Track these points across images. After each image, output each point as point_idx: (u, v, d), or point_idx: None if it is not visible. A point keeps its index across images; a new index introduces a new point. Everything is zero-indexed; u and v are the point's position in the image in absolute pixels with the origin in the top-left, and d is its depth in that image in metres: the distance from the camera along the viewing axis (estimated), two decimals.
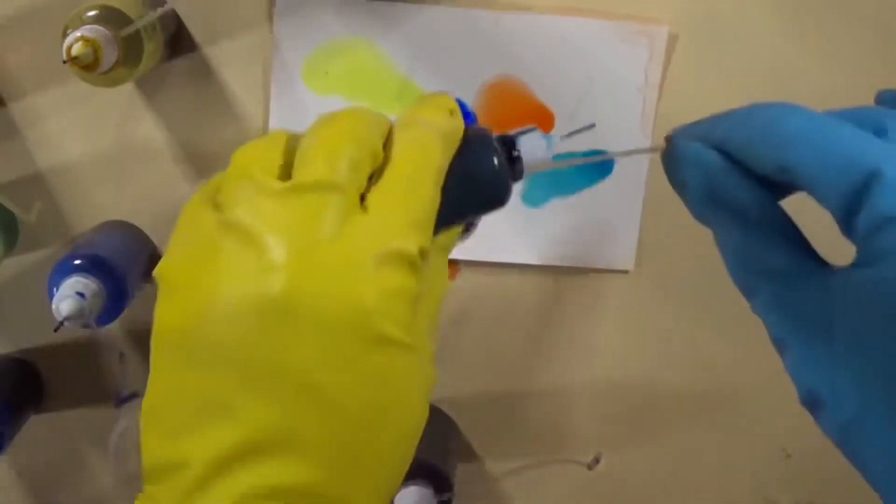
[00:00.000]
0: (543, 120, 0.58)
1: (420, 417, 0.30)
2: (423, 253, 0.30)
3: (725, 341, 0.62)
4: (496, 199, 0.34)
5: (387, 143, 0.32)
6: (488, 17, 0.56)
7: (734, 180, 0.31)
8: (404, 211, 0.30)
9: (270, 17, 0.56)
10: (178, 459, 0.27)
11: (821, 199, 0.28)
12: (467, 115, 0.58)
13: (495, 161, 0.34)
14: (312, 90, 0.57)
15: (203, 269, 0.28)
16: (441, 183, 0.32)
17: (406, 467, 0.31)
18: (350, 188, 0.29)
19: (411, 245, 0.29)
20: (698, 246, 0.59)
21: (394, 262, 0.29)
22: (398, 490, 0.53)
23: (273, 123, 0.57)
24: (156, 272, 0.30)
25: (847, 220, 0.27)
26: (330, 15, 0.56)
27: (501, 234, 0.59)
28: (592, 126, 0.36)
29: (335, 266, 0.28)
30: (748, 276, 0.30)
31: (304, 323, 0.27)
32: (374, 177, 0.31)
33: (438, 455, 0.57)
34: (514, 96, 0.57)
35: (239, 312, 0.27)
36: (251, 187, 0.29)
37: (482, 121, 0.57)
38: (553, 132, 0.58)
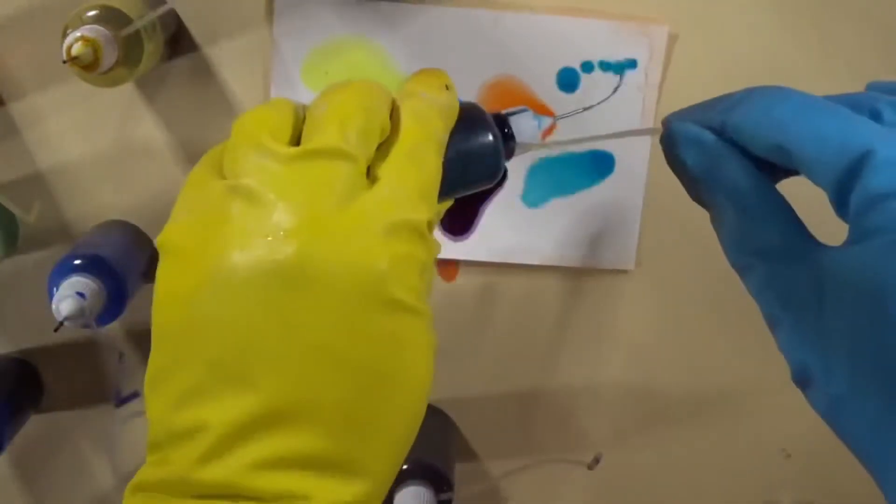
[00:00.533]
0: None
1: (428, 382, 0.31)
2: (429, 223, 0.30)
3: (725, 341, 0.62)
4: (490, 173, 0.35)
5: (391, 115, 0.32)
6: (488, 16, 0.56)
7: (730, 160, 0.31)
8: (413, 182, 0.30)
9: (270, 17, 0.56)
10: (194, 425, 0.27)
11: (815, 178, 0.29)
12: None
13: (490, 136, 0.34)
14: (312, 90, 0.57)
15: (211, 235, 0.28)
16: (443, 155, 0.32)
17: (416, 432, 0.31)
18: (360, 157, 0.30)
19: (421, 215, 0.30)
20: (698, 246, 0.59)
21: (404, 231, 0.29)
22: (398, 489, 0.53)
23: None
24: (159, 239, 0.30)
25: (840, 199, 0.28)
26: (329, 14, 0.56)
27: (501, 235, 0.59)
28: (587, 109, 0.37)
29: (348, 233, 0.28)
30: (743, 255, 0.31)
31: (317, 288, 0.27)
32: (381, 148, 0.31)
33: (438, 455, 0.57)
34: (514, 96, 0.57)
35: (250, 278, 0.27)
36: (260, 153, 0.29)
37: None
38: (555, 132, 0.58)
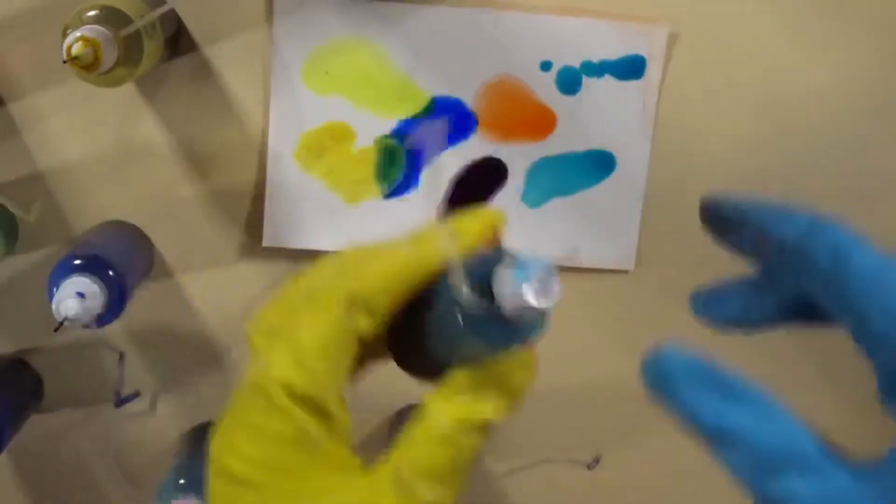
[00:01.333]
0: (545, 120, 0.58)
1: None
2: (287, 386, 0.28)
3: (725, 341, 0.62)
4: (473, 351, 0.28)
5: None
6: (489, 16, 0.56)
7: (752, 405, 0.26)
8: (278, 350, 0.29)
9: (270, 17, 0.56)
10: None
11: (871, 351, 0.25)
12: (466, 115, 0.58)
13: (460, 318, 0.27)
14: (312, 90, 0.57)
15: None
16: (364, 316, 0.29)
17: None
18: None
19: (271, 376, 0.28)
20: (698, 246, 0.59)
21: (247, 395, 0.29)
22: None
23: (273, 123, 0.57)
24: None
25: (891, 390, 0.24)
26: (329, 14, 0.56)
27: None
28: (577, 251, 0.33)
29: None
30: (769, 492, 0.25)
31: None
32: None
33: None
34: (515, 96, 0.57)
35: None
36: None
37: (484, 120, 0.58)
38: (555, 132, 0.58)
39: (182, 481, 0.55)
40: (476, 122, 0.58)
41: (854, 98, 0.57)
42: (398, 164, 0.58)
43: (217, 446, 0.29)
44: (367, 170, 0.58)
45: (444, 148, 0.58)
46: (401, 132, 0.58)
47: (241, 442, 0.29)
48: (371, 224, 0.59)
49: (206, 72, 0.57)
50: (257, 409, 0.28)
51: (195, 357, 0.62)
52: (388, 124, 0.58)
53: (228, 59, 0.56)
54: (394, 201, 0.59)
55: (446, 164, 0.58)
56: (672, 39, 0.57)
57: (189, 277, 0.60)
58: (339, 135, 0.58)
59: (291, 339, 0.29)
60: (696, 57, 0.57)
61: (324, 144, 0.58)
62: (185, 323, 0.61)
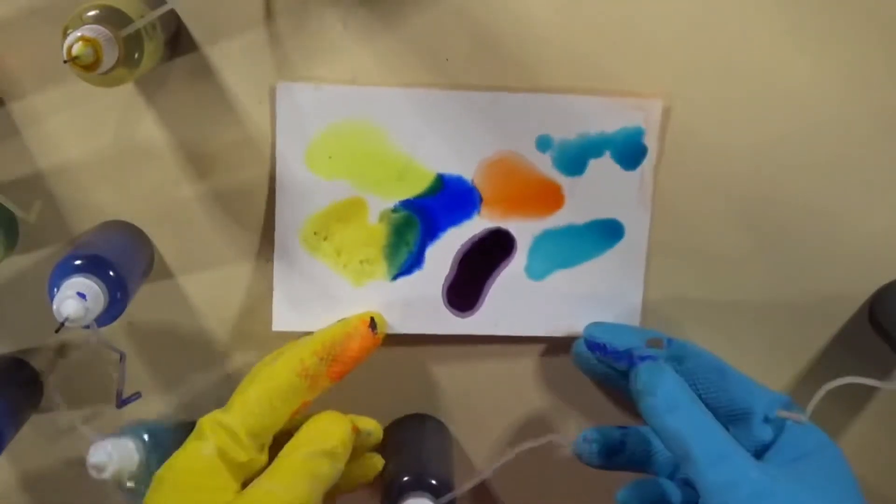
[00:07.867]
0: (549, 193, 0.58)
1: None
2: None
3: (724, 341, 0.62)
4: None
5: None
6: (486, 97, 0.56)
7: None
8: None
9: (270, 17, 0.56)
10: None
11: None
12: (469, 192, 0.59)
13: None
14: (317, 174, 0.57)
15: None
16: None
17: None
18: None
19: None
20: (699, 306, 0.59)
21: None
22: (399, 501, 0.53)
23: (279, 210, 0.58)
24: None
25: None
26: (328, 101, 0.56)
27: (506, 309, 0.60)
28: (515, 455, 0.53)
29: None
30: None
31: None
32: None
33: (438, 464, 0.57)
34: (516, 173, 0.58)
35: None
36: None
37: (487, 198, 0.58)
38: (564, 207, 0.58)
39: None
40: (480, 200, 0.58)
41: (856, 108, 0.57)
42: (410, 238, 0.58)
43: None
44: (375, 249, 0.58)
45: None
46: (409, 207, 0.58)
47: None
48: (377, 305, 0.59)
49: (206, 72, 0.57)
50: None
51: (195, 357, 0.62)
52: (393, 203, 0.58)
53: (228, 59, 0.56)
54: (400, 281, 0.59)
55: (451, 242, 0.58)
56: (666, 112, 0.57)
57: (189, 277, 0.60)
58: (348, 213, 0.58)
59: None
60: (690, 128, 0.57)
61: (330, 226, 0.58)
62: (185, 323, 0.61)
